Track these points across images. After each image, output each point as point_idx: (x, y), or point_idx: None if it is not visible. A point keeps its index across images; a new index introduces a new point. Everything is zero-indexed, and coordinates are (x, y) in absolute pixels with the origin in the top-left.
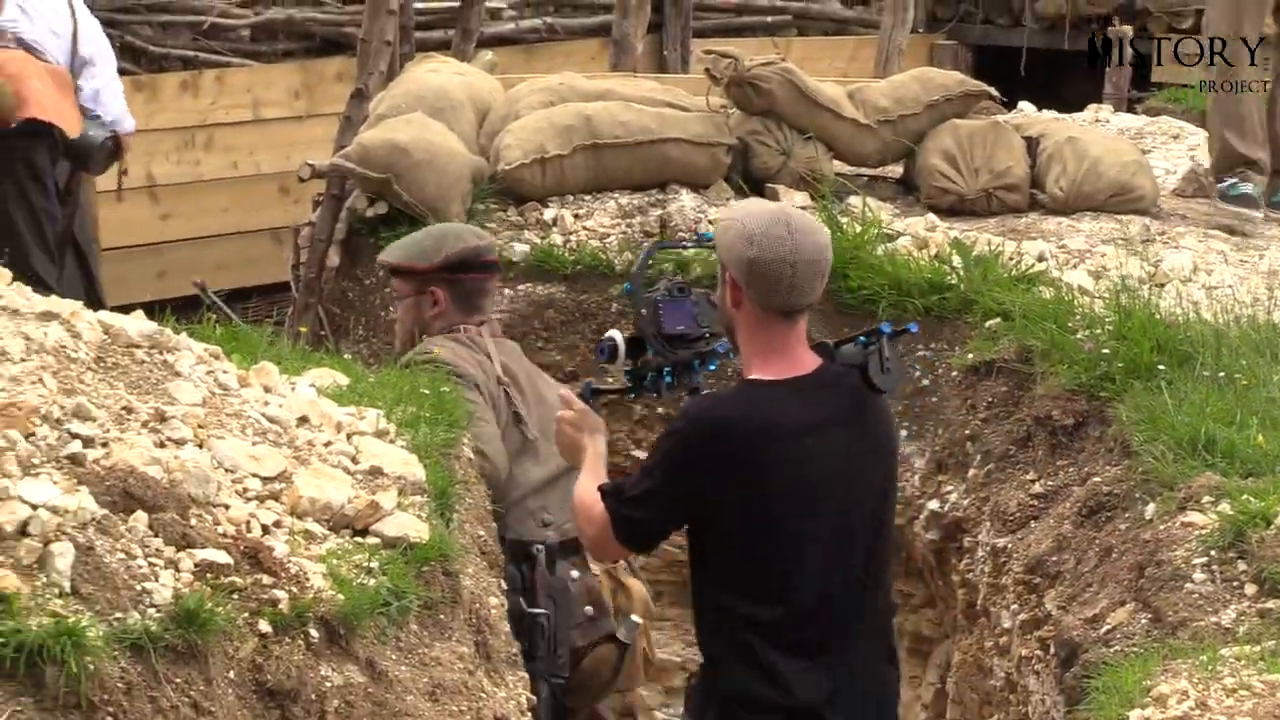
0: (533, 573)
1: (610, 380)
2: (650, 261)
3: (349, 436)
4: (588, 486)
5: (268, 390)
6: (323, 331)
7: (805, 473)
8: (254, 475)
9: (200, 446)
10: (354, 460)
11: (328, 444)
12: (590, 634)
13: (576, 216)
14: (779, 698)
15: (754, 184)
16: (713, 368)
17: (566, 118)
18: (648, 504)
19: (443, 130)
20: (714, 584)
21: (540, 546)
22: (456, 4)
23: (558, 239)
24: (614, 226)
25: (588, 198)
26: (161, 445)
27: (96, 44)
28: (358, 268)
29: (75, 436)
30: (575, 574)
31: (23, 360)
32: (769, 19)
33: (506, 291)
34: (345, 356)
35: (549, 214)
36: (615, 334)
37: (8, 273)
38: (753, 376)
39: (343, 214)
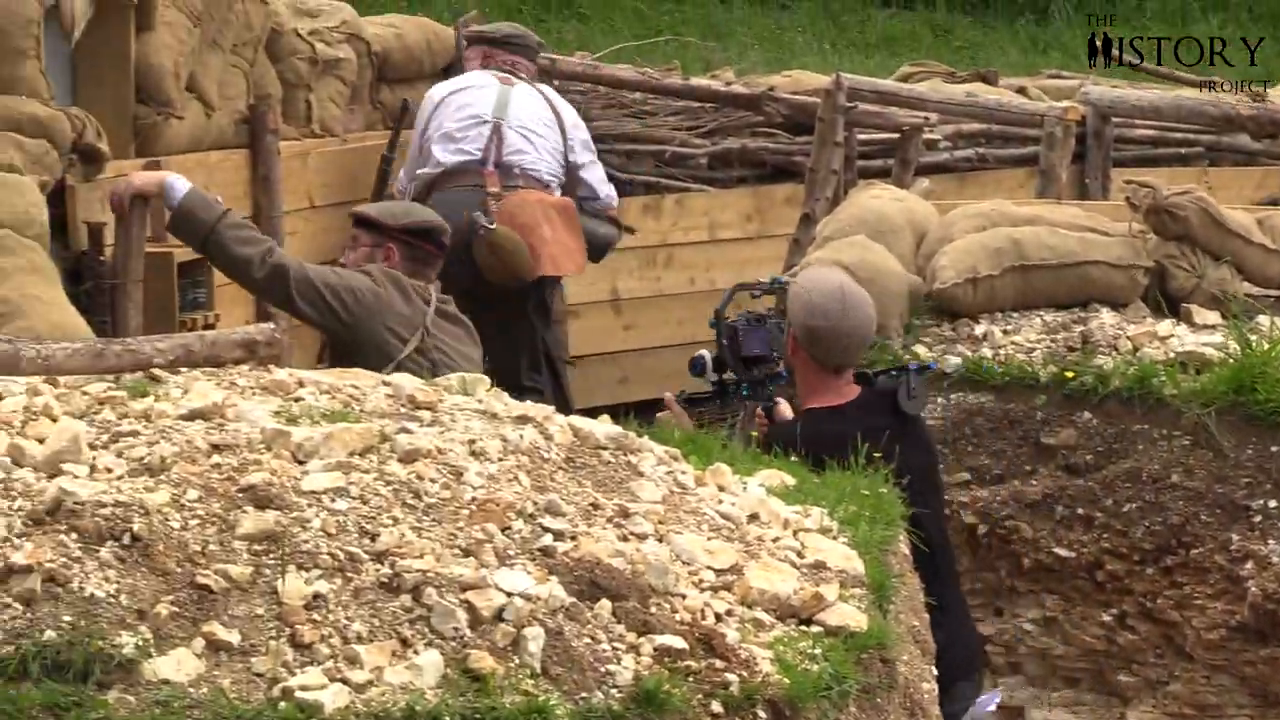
0: None
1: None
2: (732, 299)
3: (795, 533)
4: None
5: (721, 489)
6: None
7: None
8: (709, 568)
9: (660, 540)
10: (800, 555)
11: (776, 539)
12: None
13: (1005, 332)
14: None
15: (1170, 303)
16: (781, 383)
17: (997, 240)
18: None
19: (883, 251)
20: None
21: None
22: (896, 136)
23: (987, 352)
24: (1039, 341)
25: (1015, 314)
26: (625, 539)
27: (580, 129)
28: None
29: (547, 530)
30: None
31: (500, 460)
32: (1182, 150)
33: (939, 400)
34: (791, 459)
35: (979, 329)
36: (705, 353)
37: (487, 379)
38: (809, 406)
39: None
